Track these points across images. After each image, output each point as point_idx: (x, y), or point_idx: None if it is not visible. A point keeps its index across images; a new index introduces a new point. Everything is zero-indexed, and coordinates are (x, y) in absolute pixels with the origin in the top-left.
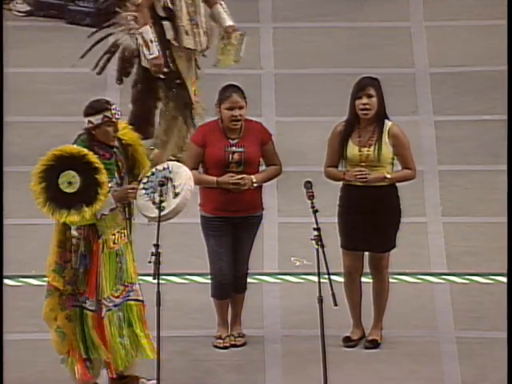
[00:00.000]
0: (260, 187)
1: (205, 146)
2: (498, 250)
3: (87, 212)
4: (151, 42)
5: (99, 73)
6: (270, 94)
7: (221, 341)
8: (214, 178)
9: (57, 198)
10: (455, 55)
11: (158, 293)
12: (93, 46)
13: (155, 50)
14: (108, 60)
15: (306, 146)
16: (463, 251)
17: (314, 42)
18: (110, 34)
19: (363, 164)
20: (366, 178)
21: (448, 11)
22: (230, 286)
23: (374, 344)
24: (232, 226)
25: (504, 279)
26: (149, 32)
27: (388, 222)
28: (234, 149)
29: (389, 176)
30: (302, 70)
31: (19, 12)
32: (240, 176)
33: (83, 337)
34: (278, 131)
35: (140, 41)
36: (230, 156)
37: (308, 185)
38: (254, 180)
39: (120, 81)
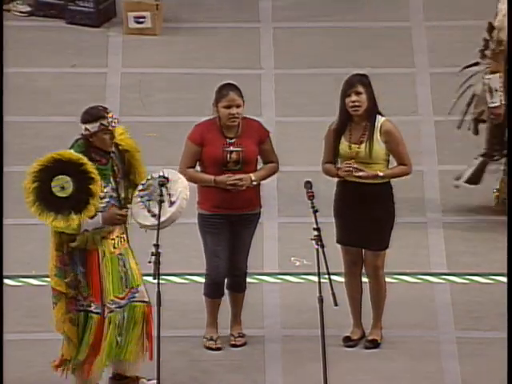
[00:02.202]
0: (258, 185)
1: (202, 145)
2: (497, 250)
3: (74, 219)
4: (495, 90)
5: (459, 127)
6: (270, 94)
7: (213, 342)
8: (212, 177)
9: (47, 200)
10: (455, 55)
11: (158, 293)
12: (458, 97)
13: (497, 99)
14: (465, 112)
15: (306, 145)
16: (463, 251)
17: (314, 41)
18: (470, 86)
19: (354, 161)
20: (351, 171)
21: (448, 11)
22: (223, 284)
23: (374, 344)
24: (230, 223)
25: (504, 279)
26: (496, 81)
27: (380, 220)
28: (232, 148)
29: (381, 174)
30: (301, 70)
31: (20, 12)
32: (238, 176)
33: (80, 339)
34: (278, 131)
35: (486, 87)
36: (228, 155)
37: (308, 185)
38: (253, 178)
39: (476, 131)
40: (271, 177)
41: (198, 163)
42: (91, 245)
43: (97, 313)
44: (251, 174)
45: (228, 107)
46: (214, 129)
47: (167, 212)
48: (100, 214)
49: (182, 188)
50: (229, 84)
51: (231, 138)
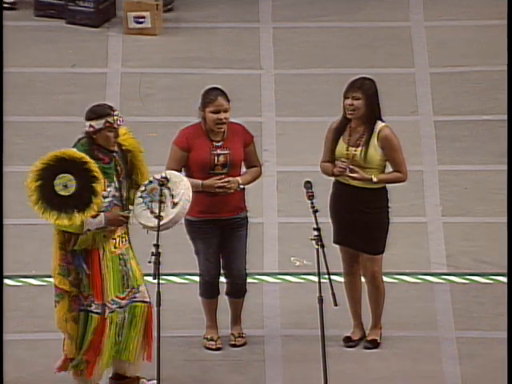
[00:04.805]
0: (243, 189)
1: (189, 150)
2: (497, 250)
3: (77, 218)
4: None
5: None
6: (270, 94)
7: (213, 342)
8: (199, 181)
9: (50, 199)
10: (455, 55)
11: (158, 293)
12: None
13: None
14: None
15: (306, 145)
16: (463, 251)
17: (314, 41)
18: None
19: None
20: (345, 169)
21: (448, 11)
22: (217, 284)
23: (374, 344)
24: (218, 228)
25: (504, 279)
26: None
27: (373, 224)
28: (219, 151)
29: (375, 179)
30: (301, 70)
31: (5, 3)
32: (226, 179)
33: (81, 339)
34: (278, 131)
35: None
36: (216, 158)
37: (308, 185)
38: (241, 182)
39: None
40: (255, 181)
41: (183, 169)
42: (92, 244)
43: (97, 313)
44: (238, 178)
45: (216, 112)
46: (199, 133)
47: (170, 213)
48: (103, 214)
49: (184, 189)
50: (215, 88)
51: (218, 142)
